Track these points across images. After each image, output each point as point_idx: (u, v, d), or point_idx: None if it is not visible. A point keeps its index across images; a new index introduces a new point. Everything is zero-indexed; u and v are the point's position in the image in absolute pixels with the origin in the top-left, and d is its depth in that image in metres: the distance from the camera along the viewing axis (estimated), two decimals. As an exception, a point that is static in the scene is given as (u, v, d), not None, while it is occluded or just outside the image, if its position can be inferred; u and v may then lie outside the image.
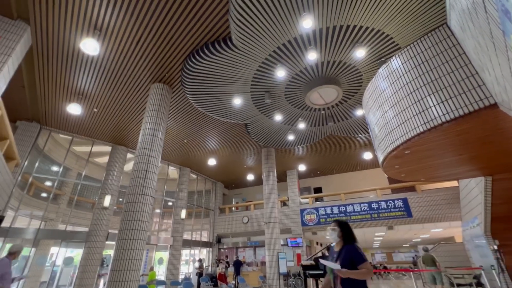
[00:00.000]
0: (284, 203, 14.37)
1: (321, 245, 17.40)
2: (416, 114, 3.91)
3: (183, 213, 13.03)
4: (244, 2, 4.84)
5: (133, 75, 7.03)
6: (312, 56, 6.11)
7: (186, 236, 13.51)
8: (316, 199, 14.02)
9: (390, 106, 4.47)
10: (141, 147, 6.61)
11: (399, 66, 4.38)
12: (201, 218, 15.20)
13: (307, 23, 5.22)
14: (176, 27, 5.61)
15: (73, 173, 11.19)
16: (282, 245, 11.96)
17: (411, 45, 4.21)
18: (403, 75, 4.27)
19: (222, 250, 15.08)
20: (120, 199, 11.50)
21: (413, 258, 19.25)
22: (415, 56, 4.15)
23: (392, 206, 11.23)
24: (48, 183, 9.97)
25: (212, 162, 12.41)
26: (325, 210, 12.63)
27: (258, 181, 16.13)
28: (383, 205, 11.41)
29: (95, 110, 8.50)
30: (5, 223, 7.60)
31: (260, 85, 7.47)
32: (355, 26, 5.62)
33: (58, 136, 10.17)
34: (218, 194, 16.36)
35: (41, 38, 5.77)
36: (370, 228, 11.73)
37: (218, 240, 14.85)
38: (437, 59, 3.88)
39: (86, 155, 10.64)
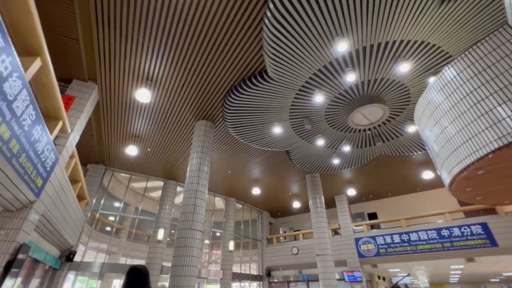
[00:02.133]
0: (335, 232, 13.31)
1: (383, 279, 15.36)
2: (487, 128, 3.37)
3: (231, 245, 12.93)
4: (276, 36, 5.02)
5: (180, 116, 7.65)
6: (350, 77, 5.92)
7: (235, 268, 13.23)
8: (372, 227, 12.67)
9: (450, 121, 3.96)
10: (189, 182, 6.92)
11: (455, 75, 3.93)
12: (249, 249, 14.87)
13: (341, 47, 5.14)
14: (215, 68, 6.05)
15: (131, 208, 12.18)
16: (338, 279, 10.86)
17: (467, 52, 3.78)
18: (462, 85, 3.80)
19: (272, 284, 14.30)
20: (172, 231, 11.99)
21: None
22: (473, 63, 3.69)
23: (469, 233, 9.48)
24: (111, 218, 10.98)
25: (256, 191, 12.36)
26: (384, 239, 11.27)
27: (305, 208, 15.42)
28: (456, 231, 9.72)
29: (148, 149, 9.37)
30: (77, 257, 8.44)
31: (298, 112, 7.42)
32: (394, 42, 5.33)
33: (119, 175, 11.35)
34: (265, 223, 15.99)
35: (105, 93, 6.74)
36: (443, 260, 10.00)
37: (268, 273, 14.18)
38: (503, 63, 3.39)
39: (142, 191, 11.57)
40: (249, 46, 5.49)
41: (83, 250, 9.15)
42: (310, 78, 6.21)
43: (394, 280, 16.11)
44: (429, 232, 10.29)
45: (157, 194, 12.04)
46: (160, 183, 11.84)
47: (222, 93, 6.84)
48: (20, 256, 4.20)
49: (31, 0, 2.98)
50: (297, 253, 13.47)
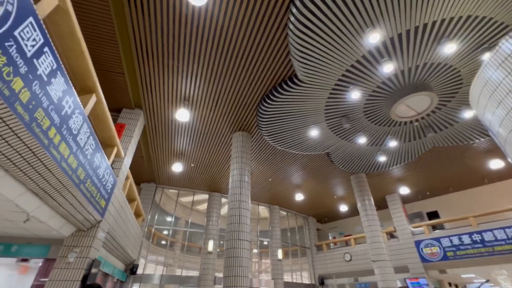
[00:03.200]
0: (391, 235, 12.27)
1: (456, 286, 13.57)
2: None
3: (280, 253, 12.76)
4: (302, 39, 4.97)
5: (217, 130, 7.97)
6: (388, 68, 5.54)
7: (286, 277, 12.98)
8: (434, 227, 11.38)
9: (517, 100, 3.41)
10: (232, 193, 7.09)
11: (517, 48, 3.40)
12: (298, 257, 14.50)
13: (373, 38, 4.87)
14: (246, 80, 6.21)
15: (182, 221, 12.90)
16: (400, 287, 9.90)
17: (527, 19, 3.26)
18: (526, 57, 3.27)
19: (327, 293, 13.63)
20: (221, 242, 12.33)
21: None
22: (538, 30, 3.16)
23: (563, 229, 7.92)
24: (165, 232, 11.75)
25: (299, 197, 12.11)
26: (451, 241, 10.01)
27: (354, 212, 14.57)
28: (545, 228, 8.21)
29: (192, 165, 9.89)
30: (139, 270, 9.17)
31: (335, 112, 7.16)
32: (434, 22, 4.87)
33: (169, 191, 12.17)
34: (312, 229, 15.48)
35: (150, 118, 7.37)
36: (532, 262, 8.47)
37: (321, 282, 13.58)
38: None
39: (190, 204, 12.20)
40: (276, 53, 5.53)
41: (144, 263, 9.92)
42: (343, 75, 5.97)
43: (470, 288, 14.11)
44: (508, 230, 8.86)
45: (204, 206, 12.57)
46: (205, 196, 12.35)
47: (255, 103, 6.95)
48: (93, 270, 4.71)
49: (85, 48, 3.45)
50: (350, 260, 12.70)
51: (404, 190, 11.95)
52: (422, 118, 7.47)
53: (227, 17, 4.78)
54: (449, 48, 5.21)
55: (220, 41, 5.24)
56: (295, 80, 6.06)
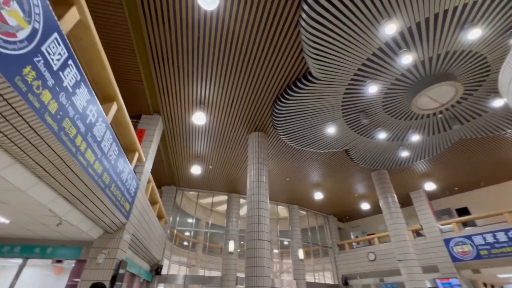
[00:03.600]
0: (417, 233, 11.74)
1: (492, 287, 12.74)
2: None
3: (301, 253, 12.63)
4: (315, 36, 4.90)
5: (233, 131, 8.04)
6: (407, 59, 5.32)
7: (309, 277, 12.81)
8: (464, 224, 10.75)
9: (553, 85, 3.15)
10: (250, 194, 7.12)
11: (550, 29, 3.14)
12: (320, 257, 14.27)
13: (390, 29, 4.70)
14: (260, 80, 6.22)
15: (202, 222, 13.13)
16: (430, 288, 9.46)
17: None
18: None
19: (352, 294, 13.29)
20: (242, 242, 12.41)
21: None
22: None
23: None
24: (187, 233, 12.02)
25: (318, 195, 11.93)
26: (484, 238, 9.42)
27: (376, 210, 14.12)
28: None
29: (210, 167, 10.06)
30: (163, 271, 9.44)
31: (352, 107, 6.98)
32: (456, 8, 4.61)
33: (189, 193, 12.44)
34: (333, 229, 15.18)
35: (168, 122, 7.58)
36: None
37: (345, 282, 13.27)
38: None
39: (210, 206, 12.40)
40: (288, 52, 5.49)
41: (168, 264, 10.20)
42: (359, 69, 5.81)
43: (508, 288, 13.18)
44: (548, 226, 8.18)
45: (223, 208, 12.72)
46: (224, 197, 12.50)
47: (270, 103, 6.94)
48: (121, 271, 4.92)
49: (105, 58, 3.62)
50: (374, 259, 12.30)
51: (430, 186, 11.40)
52: (447, 109, 7.09)
53: (238, 19, 4.82)
54: (474, 34, 4.91)
55: (233, 43, 5.29)
56: (310, 78, 5.98)
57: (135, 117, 7.09)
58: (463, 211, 12.08)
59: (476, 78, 6.17)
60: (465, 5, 4.57)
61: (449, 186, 12.04)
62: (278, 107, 6.80)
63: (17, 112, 2.08)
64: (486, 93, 6.58)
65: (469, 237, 9.79)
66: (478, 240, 9.53)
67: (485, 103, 6.90)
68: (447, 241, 10.31)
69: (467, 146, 8.99)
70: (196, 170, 9.37)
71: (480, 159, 9.78)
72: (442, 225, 11.01)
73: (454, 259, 9.91)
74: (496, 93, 6.48)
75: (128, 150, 5.24)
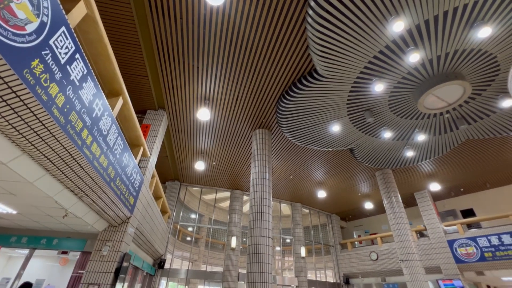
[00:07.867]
0: (421, 234, 11.66)
1: (496, 290, 12.60)
2: None
3: (303, 251, 12.66)
4: (322, 32, 4.86)
5: (237, 127, 8.05)
6: (414, 57, 5.25)
7: (310, 275, 12.85)
8: (469, 226, 10.64)
9: None
10: (253, 190, 7.14)
11: None
12: (322, 255, 14.28)
13: (397, 27, 4.63)
14: (265, 77, 6.20)
15: (205, 218, 13.23)
16: (432, 289, 9.41)
17: None
18: None
19: (353, 292, 13.30)
20: (244, 239, 12.48)
21: None
22: None
23: None
24: (190, 229, 12.12)
25: (322, 194, 11.90)
26: (489, 240, 9.31)
27: (380, 209, 14.07)
28: None
29: (214, 163, 10.10)
30: (166, 265, 9.56)
31: (357, 106, 6.92)
32: (466, 5, 4.52)
33: (192, 189, 12.52)
34: (335, 227, 15.17)
35: (173, 118, 7.62)
36: None
37: (347, 281, 13.28)
38: None
39: (213, 202, 12.47)
40: (294, 49, 5.46)
41: (170, 258, 10.32)
42: (365, 67, 5.75)
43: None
44: (556, 229, 8.05)
45: (226, 204, 12.79)
46: (227, 194, 12.55)
47: (275, 100, 6.92)
48: (125, 264, 4.99)
49: (111, 52, 3.65)
50: (376, 259, 12.27)
51: (435, 187, 11.28)
52: (454, 109, 6.99)
53: (244, 15, 4.80)
54: (484, 32, 4.81)
55: (238, 39, 5.27)
56: (315, 75, 5.94)
57: (140, 112, 7.14)
58: (468, 213, 11.96)
59: (485, 77, 6.06)
60: (475, 3, 4.48)
61: (455, 187, 11.91)
62: (283, 104, 6.78)
63: (25, 104, 2.11)
64: (495, 93, 6.47)
65: (473, 238, 9.69)
66: (483, 242, 9.43)
67: (493, 103, 6.78)
68: (451, 243, 10.22)
69: (474, 147, 8.87)
70: (200, 166, 9.42)
71: (487, 160, 9.64)
72: (446, 226, 10.91)
73: (458, 260, 9.83)
74: (505, 93, 6.36)
75: (133, 144, 5.29)
